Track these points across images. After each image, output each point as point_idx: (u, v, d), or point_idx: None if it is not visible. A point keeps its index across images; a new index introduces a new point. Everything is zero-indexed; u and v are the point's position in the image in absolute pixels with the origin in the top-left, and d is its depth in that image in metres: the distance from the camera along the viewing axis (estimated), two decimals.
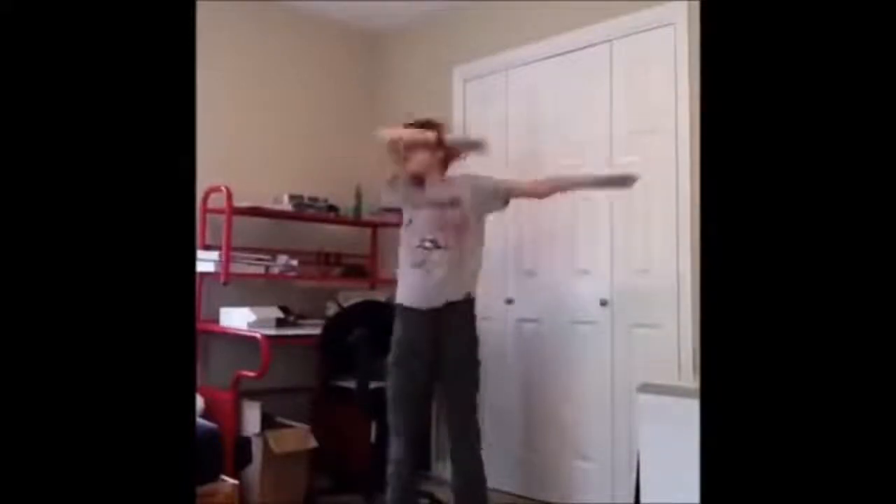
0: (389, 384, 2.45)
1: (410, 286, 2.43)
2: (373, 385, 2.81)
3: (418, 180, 2.53)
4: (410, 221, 2.47)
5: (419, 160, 2.50)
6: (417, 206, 2.48)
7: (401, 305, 2.45)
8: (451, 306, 2.39)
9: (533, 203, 3.25)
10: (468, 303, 2.44)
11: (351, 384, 3.02)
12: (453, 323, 2.40)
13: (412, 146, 2.50)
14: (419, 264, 2.40)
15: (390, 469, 2.40)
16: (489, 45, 3.50)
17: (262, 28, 3.65)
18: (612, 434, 2.89)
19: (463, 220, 2.44)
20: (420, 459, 2.98)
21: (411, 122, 2.62)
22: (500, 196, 2.53)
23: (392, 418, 2.44)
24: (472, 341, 2.46)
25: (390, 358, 2.45)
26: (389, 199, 2.84)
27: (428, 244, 2.40)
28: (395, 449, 2.41)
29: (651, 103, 2.87)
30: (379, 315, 2.87)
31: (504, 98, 3.43)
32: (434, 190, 2.50)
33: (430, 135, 2.47)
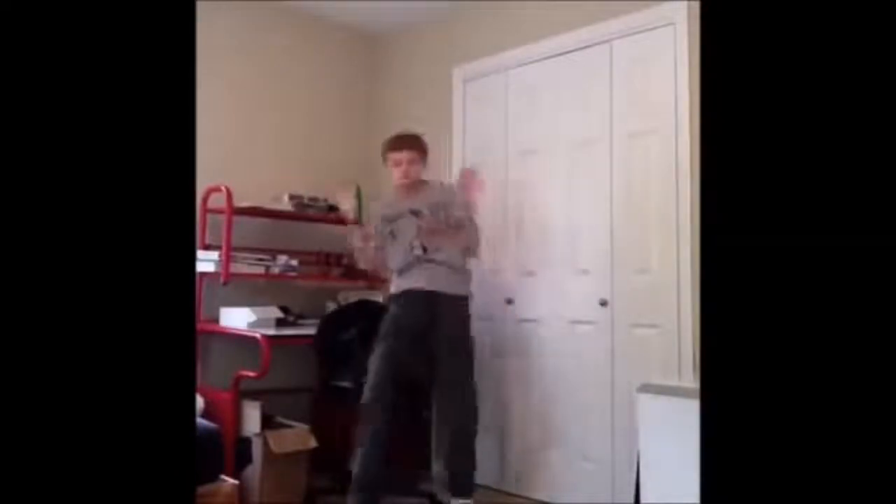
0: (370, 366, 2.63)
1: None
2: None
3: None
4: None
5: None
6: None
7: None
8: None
9: (532, 203, 3.26)
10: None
11: (351, 384, 3.02)
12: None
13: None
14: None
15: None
16: (489, 45, 3.49)
17: (262, 28, 3.65)
18: (612, 434, 2.88)
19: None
20: (418, 459, 2.98)
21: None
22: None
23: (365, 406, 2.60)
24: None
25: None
26: None
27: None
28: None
29: (651, 103, 2.87)
30: (374, 314, 2.87)
31: (504, 98, 3.43)
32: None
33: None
